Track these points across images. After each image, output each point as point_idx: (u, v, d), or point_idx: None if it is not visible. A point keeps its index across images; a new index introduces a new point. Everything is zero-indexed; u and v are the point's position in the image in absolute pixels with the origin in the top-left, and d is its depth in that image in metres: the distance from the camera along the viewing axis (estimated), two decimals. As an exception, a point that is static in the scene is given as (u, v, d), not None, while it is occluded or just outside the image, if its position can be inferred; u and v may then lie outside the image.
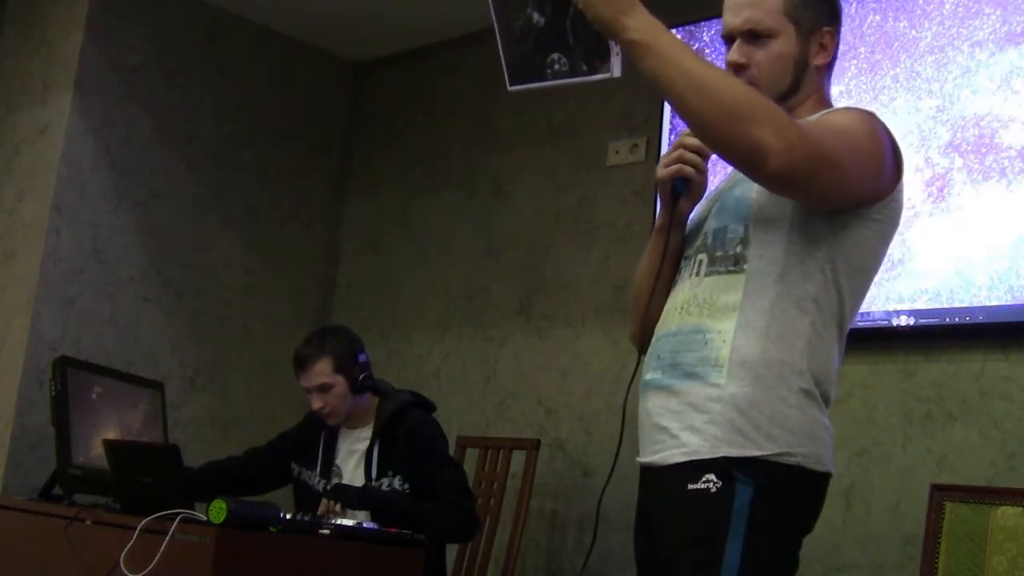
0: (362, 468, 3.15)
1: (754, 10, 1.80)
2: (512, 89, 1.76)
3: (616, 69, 1.65)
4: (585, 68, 1.68)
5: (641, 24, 1.59)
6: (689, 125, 1.64)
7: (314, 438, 3.27)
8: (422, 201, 4.56)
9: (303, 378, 3.18)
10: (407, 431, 3.12)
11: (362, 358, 3.20)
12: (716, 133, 1.60)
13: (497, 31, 1.74)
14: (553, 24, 1.68)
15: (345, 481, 3.16)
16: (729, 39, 1.84)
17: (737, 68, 1.81)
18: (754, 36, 1.80)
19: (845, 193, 1.70)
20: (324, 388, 3.14)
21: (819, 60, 1.84)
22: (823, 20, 1.84)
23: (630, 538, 1.90)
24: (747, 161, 1.61)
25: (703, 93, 1.57)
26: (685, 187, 1.80)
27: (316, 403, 3.16)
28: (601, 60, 1.66)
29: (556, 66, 1.69)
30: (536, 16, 1.69)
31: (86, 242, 4.10)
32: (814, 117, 1.77)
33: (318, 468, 3.24)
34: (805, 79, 1.83)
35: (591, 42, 1.65)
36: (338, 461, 3.24)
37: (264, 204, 4.63)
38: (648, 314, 1.86)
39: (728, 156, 1.64)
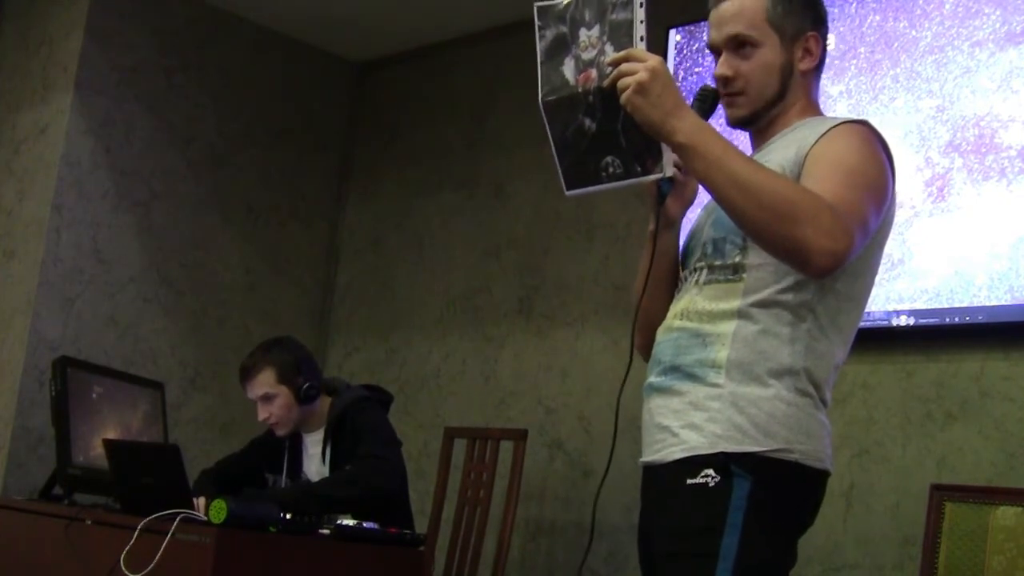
0: (325, 469, 3.16)
1: (737, 22, 1.83)
2: (569, 194, 1.79)
3: (668, 169, 1.70)
4: (639, 169, 1.71)
5: (689, 127, 1.63)
6: (737, 225, 1.68)
7: (281, 445, 3.29)
8: (422, 201, 4.56)
9: (247, 389, 3.20)
10: (352, 424, 3.14)
11: (307, 368, 3.21)
12: (762, 233, 1.64)
13: (551, 138, 1.77)
14: (604, 128, 1.71)
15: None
16: (715, 51, 1.87)
17: (725, 81, 1.84)
18: (739, 46, 1.83)
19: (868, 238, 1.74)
20: (268, 398, 3.16)
21: (804, 65, 1.86)
22: (807, 25, 1.86)
23: (631, 539, 1.90)
24: (793, 260, 1.65)
25: (748, 195, 1.60)
26: (670, 187, 1.81)
27: (261, 414, 3.18)
28: (653, 161, 1.70)
29: (611, 169, 1.73)
30: (588, 122, 1.72)
31: (86, 242, 4.10)
32: (811, 137, 1.77)
33: (283, 475, 3.25)
34: (792, 85, 1.85)
35: (642, 143, 1.68)
36: (304, 467, 3.25)
37: (264, 204, 4.63)
38: (643, 319, 1.88)
39: (775, 255, 1.68)
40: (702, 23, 3.57)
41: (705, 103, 1.83)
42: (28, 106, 4.30)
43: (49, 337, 3.97)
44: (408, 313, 4.48)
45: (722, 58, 1.85)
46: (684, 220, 1.94)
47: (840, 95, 3.21)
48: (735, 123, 1.87)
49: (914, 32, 3.13)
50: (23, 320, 3.98)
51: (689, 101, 1.74)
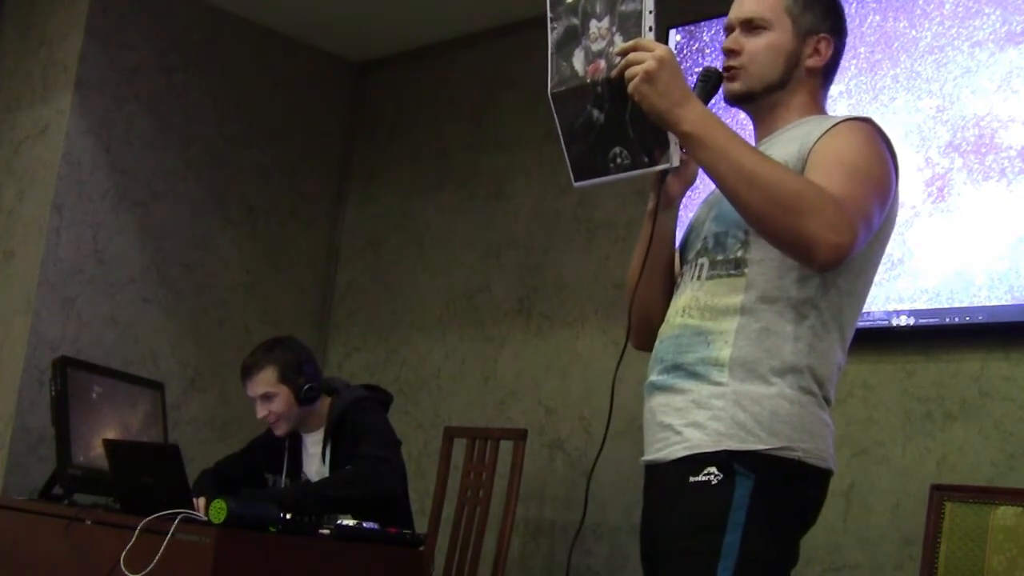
0: (325, 469, 3.16)
1: (757, 3, 1.86)
2: (578, 185, 1.81)
3: (675, 159, 1.70)
4: (646, 160, 1.72)
5: (695, 117, 1.64)
6: (742, 216, 1.69)
7: (281, 445, 3.28)
8: (422, 201, 4.56)
9: (247, 387, 3.19)
10: (351, 424, 3.14)
11: (309, 368, 3.20)
12: (767, 225, 1.64)
13: (560, 130, 1.78)
14: (612, 119, 1.72)
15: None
16: (729, 31, 1.90)
17: (728, 53, 1.87)
18: (751, 27, 1.86)
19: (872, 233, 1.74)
20: (267, 397, 3.15)
21: (811, 63, 1.87)
22: (824, 27, 1.88)
23: (631, 539, 1.90)
24: (797, 253, 1.65)
25: (753, 186, 1.61)
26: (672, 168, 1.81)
27: (260, 412, 3.18)
28: (660, 151, 1.70)
29: (618, 159, 1.74)
30: (596, 113, 1.73)
31: (86, 242, 4.09)
32: (814, 133, 1.77)
33: (283, 475, 3.25)
34: (795, 77, 1.87)
35: (650, 134, 1.69)
36: (304, 467, 3.26)
37: (264, 204, 4.63)
38: (637, 299, 1.87)
39: (780, 247, 1.68)
40: (702, 23, 3.58)
41: (708, 84, 1.85)
42: (28, 106, 4.29)
43: (49, 337, 3.97)
44: (408, 313, 4.48)
45: (732, 35, 1.88)
46: (682, 216, 1.95)
47: (840, 95, 3.21)
48: (731, 98, 1.88)
49: (914, 32, 3.13)
50: (23, 320, 3.98)
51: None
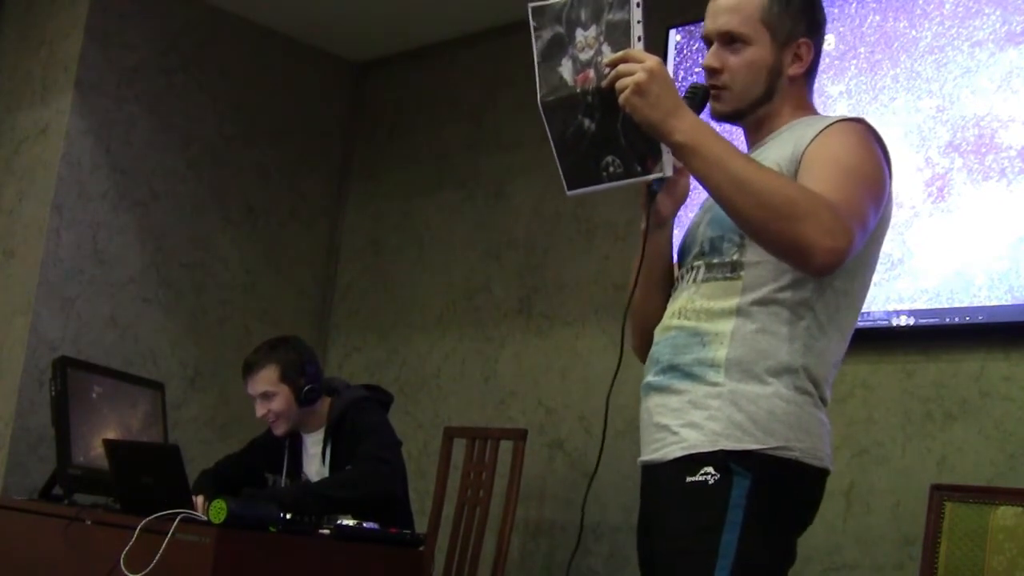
0: (325, 470, 3.16)
1: (731, 16, 1.83)
2: (571, 194, 1.80)
3: (668, 168, 1.70)
4: (639, 168, 1.72)
5: (687, 127, 1.64)
6: (737, 225, 1.69)
7: (281, 445, 3.28)
8: (422, 201, 4.56)
9: (248, 384, 3.19)
10: (351, 424, 3.14)
11: (311, 369, 3.20)
12: (762, 232, 1.64)
13: (551, 139, 1.78)
14: (604, 128, 1.72)
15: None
16: (708, 42, 1.88)
17: (711, 72, 1.85)
18: (730, 40, 1.84)
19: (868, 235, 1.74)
20: (267, 396, 3.15)
21: (793, 71, 1.86)
22: (800, 31, 1.86)
23: (631, 539, 1.90)
24: (794, 259, 1.65)
25: (747, 194, 1.61)
26: (661, 185, 1.81)
27: (260, 411, 3.18)
28: (653, 160, 1.70)
29: (611, 168, 1.74)
30: (587, 122, 1.73)
31: (86, 242, 4.10)
32: (807, 135, 1.77)
33: (283, 475, 3.25)
34: (779, 88, 1.86)
35: (642, 143, 1.69)
36: (304, 467, 3.26)
37: (264, 204, 4.63)
38: (637, 321, 1.89)
39: (776, 253, 1.68)
40: (702, 23, 3.57)
41: (695, 99, 1.83)
42: (28, 106, 4.30)
43: (49, 337, 3.97)
44: (408, 313, 4.48)
45: (712, 50, 1.86)
46: (679, 219, 1.95)
47: (840, 95, 3.21)
48: (718, 117, 1.87)
49: (914, 32, 3.13)
50: (23, 320, 3.98)
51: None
